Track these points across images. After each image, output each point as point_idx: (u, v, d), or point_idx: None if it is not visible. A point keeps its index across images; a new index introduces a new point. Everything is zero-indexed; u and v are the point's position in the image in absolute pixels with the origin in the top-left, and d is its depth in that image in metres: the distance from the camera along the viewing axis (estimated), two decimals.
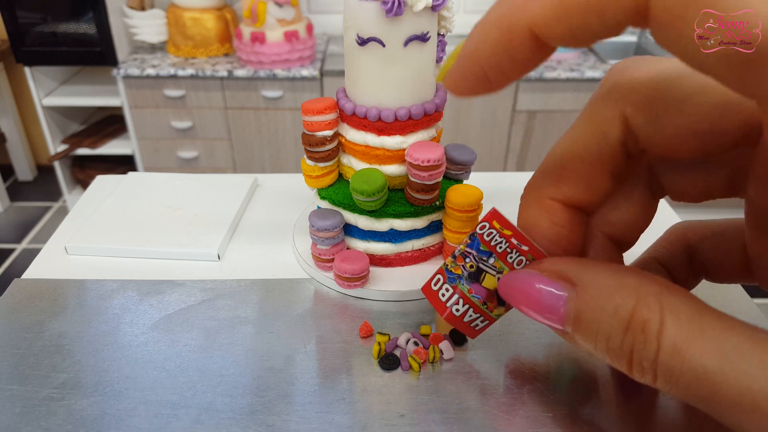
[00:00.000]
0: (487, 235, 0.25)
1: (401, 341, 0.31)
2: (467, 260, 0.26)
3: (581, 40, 0.18)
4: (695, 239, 0.27)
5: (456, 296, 0.27)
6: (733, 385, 0.17)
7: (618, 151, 0.22)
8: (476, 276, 0.26)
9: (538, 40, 0.19)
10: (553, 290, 0.22)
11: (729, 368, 0.17)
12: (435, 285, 0.27)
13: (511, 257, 0.25)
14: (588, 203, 0.24)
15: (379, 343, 0.31)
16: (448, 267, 0.26)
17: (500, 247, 0.25)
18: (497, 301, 0.26)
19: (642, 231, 0.26)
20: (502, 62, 0.20)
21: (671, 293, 0.19)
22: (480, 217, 0.30)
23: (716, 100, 0.19)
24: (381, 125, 0.33)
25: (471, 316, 0.27)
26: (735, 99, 0.19)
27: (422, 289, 0.28)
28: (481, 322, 0.27)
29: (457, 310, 0.27)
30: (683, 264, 0.27)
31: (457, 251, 0.26)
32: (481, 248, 0.25)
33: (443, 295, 0.27)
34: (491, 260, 0.25)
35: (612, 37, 0.18)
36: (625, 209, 0.25)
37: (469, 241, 0.25)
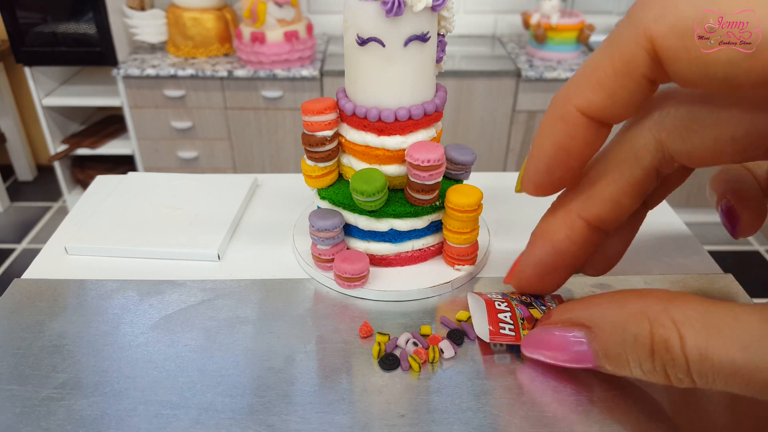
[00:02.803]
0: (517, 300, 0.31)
1: (401, 341, 0.31)
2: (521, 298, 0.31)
3: (622, 104, 0.21)
4: None
5: (506, 304, 0.31)
6: (763, 369, 0.18)
7: (650, 175, 0.24)
8: (527, 304, 0.31)
9: (589, 118, 0.22)
10: (573, 338, 0.24)
11: (754, 357, 0.18)
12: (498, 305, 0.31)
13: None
14: (612, 222, 0.25)
15: (379, 343, 0.31)
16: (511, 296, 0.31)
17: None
18: (532, 326, 0.30)
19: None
20: (568, 145, 0.23)
21: (675, 304, 0.20)
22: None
23: (750, 103, 0.20)
24: (381, 125, 0.33)
25: (507, 319, 0.30)
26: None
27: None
28: (510, 330, 0.30)
29: (501, 310, 0.30)
30: None
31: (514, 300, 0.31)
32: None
33: (497, 302, 0.31)
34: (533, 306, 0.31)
35: (645, 94, 0.21)
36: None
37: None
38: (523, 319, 0.30)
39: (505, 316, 0.30)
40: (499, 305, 0.30)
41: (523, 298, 0.31)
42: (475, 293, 0.33)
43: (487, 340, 0.29)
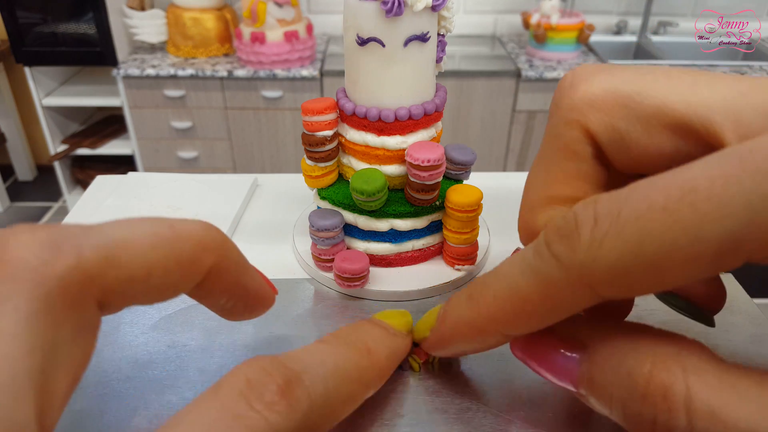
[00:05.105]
0: None
1: None
2: None
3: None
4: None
5: None
6: None
7: (596, 164, 0.22)
8: None
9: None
10: (565, 352, 0.21)
11: None
12: None
13: None
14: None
15: None
16: None
17: None
18: None
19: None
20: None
21: (690, 352, 0.17)
22: None
23: (678, 119, 0.19)
24: (381, 125, 0.33)
25: None
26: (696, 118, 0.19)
27: None
28: None
29: None
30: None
31: None
32: None
33: None
34: None
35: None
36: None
37: None
38: None
39: None
40: None
41: None
42: None
43: None
